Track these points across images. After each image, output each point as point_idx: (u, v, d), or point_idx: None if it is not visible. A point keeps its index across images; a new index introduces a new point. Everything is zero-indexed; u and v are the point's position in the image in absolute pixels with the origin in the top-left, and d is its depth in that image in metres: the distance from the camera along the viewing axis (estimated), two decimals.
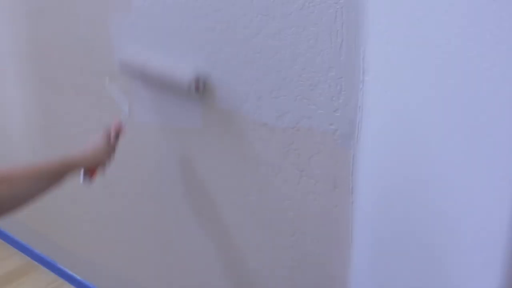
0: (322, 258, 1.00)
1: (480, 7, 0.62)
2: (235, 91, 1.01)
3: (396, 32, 0.72)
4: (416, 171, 0.76)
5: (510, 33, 0.60)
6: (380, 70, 0.77)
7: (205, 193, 1.18)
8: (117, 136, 1.11)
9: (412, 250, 0.81)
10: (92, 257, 1.65)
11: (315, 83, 0.88)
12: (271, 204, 1.05)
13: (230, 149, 1.08)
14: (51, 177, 0.92)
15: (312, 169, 0.95)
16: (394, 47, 0.73)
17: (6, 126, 1.78)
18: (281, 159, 0.99)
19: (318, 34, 0.85)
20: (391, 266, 0.85)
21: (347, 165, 0.89)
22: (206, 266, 1.26)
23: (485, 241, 0.70)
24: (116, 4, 1.18)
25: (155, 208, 1.33)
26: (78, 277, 1.75)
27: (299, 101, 0.91)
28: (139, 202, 1.37)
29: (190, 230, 1.26)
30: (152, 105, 1.22)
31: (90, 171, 1.06)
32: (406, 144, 0.77)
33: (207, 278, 1.28)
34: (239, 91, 1.00)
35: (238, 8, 0.94)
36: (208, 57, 1.03)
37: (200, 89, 1.05)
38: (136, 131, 1.25)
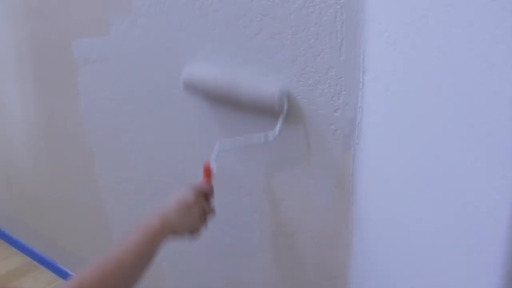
0: (322, 258, 1.00)
1: (480, 7, 0.62)
2: None
3: (396, 32, 0.72)
4: (416, 171, 0.76)
5: (510, 33, 0.60)
6: (380, 70, 0.77)
7: None
8: (210, 194, 0.97)
9: (412, 250, 0.81)
10: (92, 257, 1.65)
11: (315, 83, 0.88)
12: (270, 204, 1.05)
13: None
14: (138, 257, 0.81)
15: (312, 169, 0.95)
16: (394, 47, 0.73)
17: (6, 126, 1.78)
18: (281, 159, 0.99)
19: (318, 34, 0.85)
20: (391, 266, 0.85)
21: (347, 165, 0.89)
22: (205, 266, 1.26)
23: (485, 241, 0.70)
24: (116, 4, 1.18)
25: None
26: None
27: (299, 101, 0.91)
28: (140, 202, 1.37)
29: None
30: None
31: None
32: (406, 144, 0.77)
33: (206, 278, 1.28)
34: None
35: (238, 8, 0.94)
36: (208, 57, 1.03)
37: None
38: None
